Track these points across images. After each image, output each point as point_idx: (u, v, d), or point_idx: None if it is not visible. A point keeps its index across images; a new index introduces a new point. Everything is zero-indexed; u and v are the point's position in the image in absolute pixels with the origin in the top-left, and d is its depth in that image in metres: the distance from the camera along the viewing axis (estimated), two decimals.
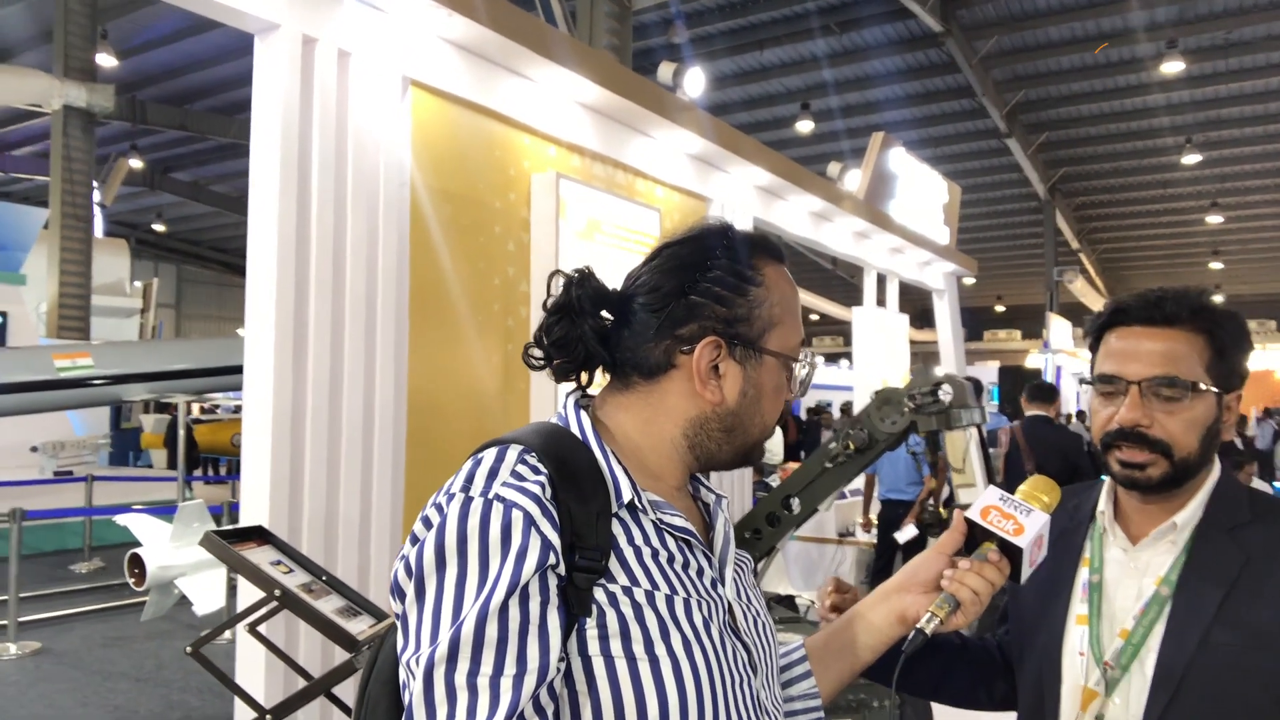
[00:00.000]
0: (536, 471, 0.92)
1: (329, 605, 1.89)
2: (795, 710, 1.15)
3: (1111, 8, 13.42)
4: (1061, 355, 22.95)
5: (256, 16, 3.10)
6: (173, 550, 4.20)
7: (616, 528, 0.94)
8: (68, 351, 9.27)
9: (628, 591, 0.91)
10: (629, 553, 0.93)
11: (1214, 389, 1.27)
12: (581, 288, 1.03)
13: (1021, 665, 1.40)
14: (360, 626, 1.89)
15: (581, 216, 4.54)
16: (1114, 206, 23.79)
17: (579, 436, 1.00)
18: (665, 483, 1.03)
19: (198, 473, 14.67)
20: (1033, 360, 25.77)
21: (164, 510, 9.85)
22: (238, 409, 15.49)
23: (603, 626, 0.88)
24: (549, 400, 4.39)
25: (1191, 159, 18.25)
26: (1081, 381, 1.42)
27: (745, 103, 16.98)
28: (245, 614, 1.78)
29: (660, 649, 0.89)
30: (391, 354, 3.65)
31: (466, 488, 0.91)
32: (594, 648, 0.88)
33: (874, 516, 6.55)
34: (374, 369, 3.61)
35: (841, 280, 24.21)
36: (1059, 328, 22.89)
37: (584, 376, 1.06)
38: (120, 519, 4.54)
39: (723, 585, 1.01)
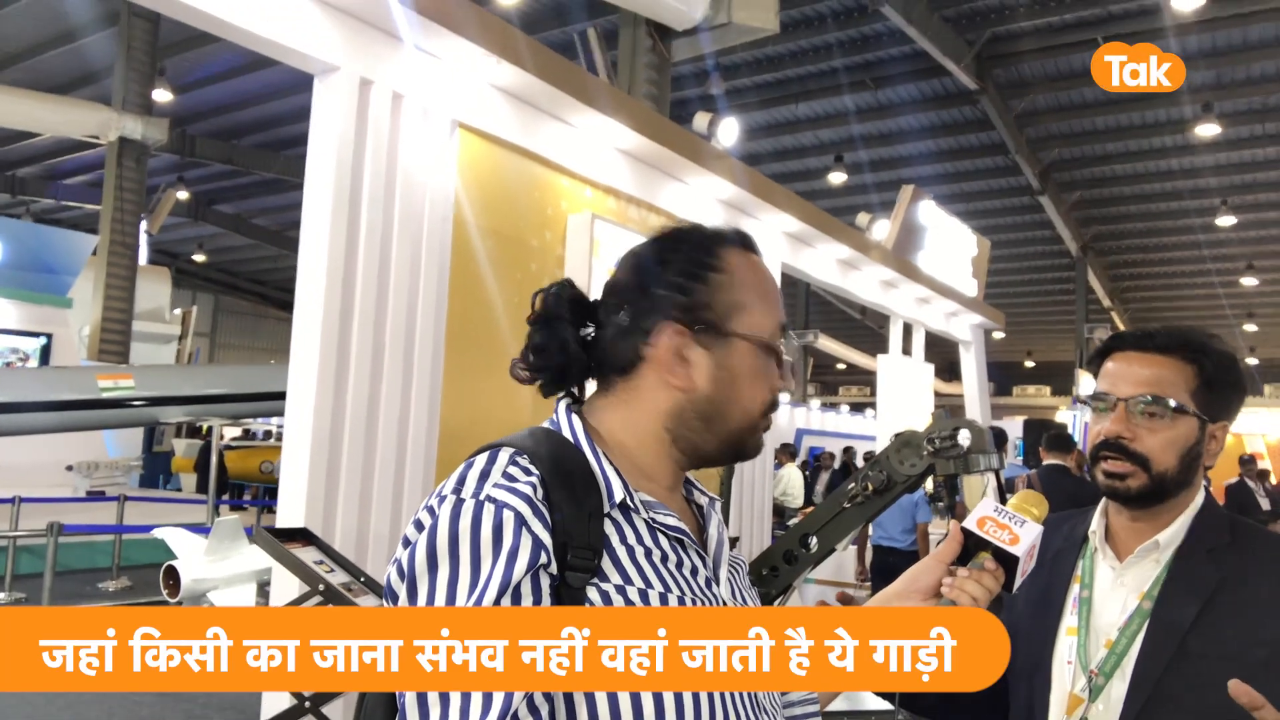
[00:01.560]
0: (528, 473, 0.92)
1: (367, 603, 1.99)
2: (795, 715, 1.17)
3: None
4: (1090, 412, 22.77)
5: (319, 59, 3.30)
6: (207, 564, 4.33)
7: (609, 527, 0.95)
8: (111, 373, 9.52)
9: (620, 590, 0.91)
10: (622, 552, 0.94)
11: (1197, 414, 1.36)
12: (558, 296, 1.05)
13: (1015, 674, 1.46)
14: None
15: (615, 256, 4.68)
16: (1147, 266, 23.70)
17: (570, 439, 1.00)
18: (658, 483, 1.04)
19: (225, 497, 14.87)
20: (1062, 416, 25.54)
21: (194, 531, 10.00)
22: (268, 434, 15.72)
23: None
24: None
25: (1226, 221, 18.21)
26: (1076, 400, 1.52)
27: (777, 154, 17.20)
28: (294, 604, 1.88)
29: None
30: (427, 382, 3.79)
31: (458, 490, 0.91)
32: None
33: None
34: (410, 396, 3.75)
35: (869, 330, 24.23)
36: (1089, 385, 22.76)
37: (575, 390, 1.07)
38: (156, 532, 4.69)
39: (717, 585, 1.02)
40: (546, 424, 1.04)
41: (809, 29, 12.57)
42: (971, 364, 10.35)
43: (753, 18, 6.67)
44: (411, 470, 3.74)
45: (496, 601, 0.84)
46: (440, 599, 0.86)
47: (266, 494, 15.18)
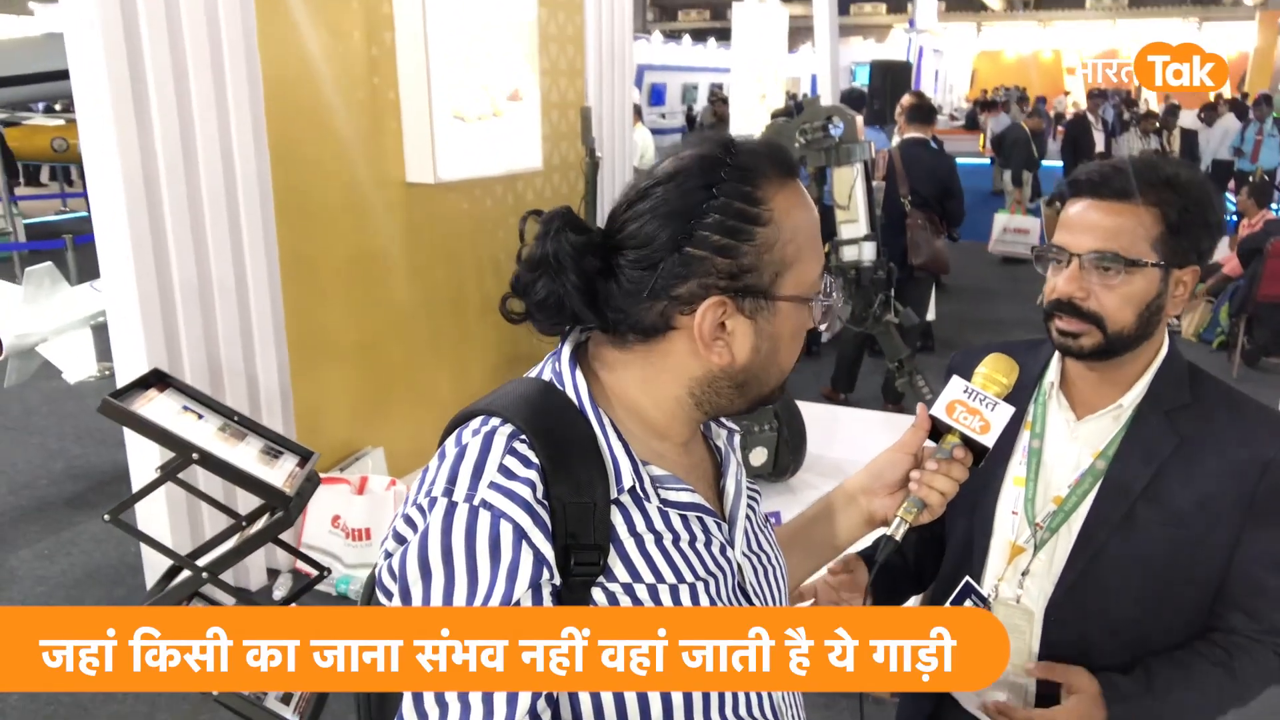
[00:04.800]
0: (527, 464, 0.84)
1: (250, 451, 1.80)
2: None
3: None
4: (925, 35, 22.79)
5: None
6: (29, 316, 3.91)
7: (616, 515, 0.87)
8: None
9: (629, 589, 0.86)
10: (630, 543, 0.87)
11: (1158, 264, 1.27)
12: (558, 240, 0.89)
13: (953, 518, 1.43)
14: (284, 471, 1.83)
15: None
16: None
17: (575, 403, 0.90)
18: (672, 440, 0.96)
19: (20, 190, 13.37)
20: (896, 37, 25.43)
21: None
22: (51, 110, 13.88)
23: None
24: (424, 137, 4.08)
25: None
26: (1033, 252, 1.40)
27: None
28: (168, 474, 1.67)
29: None
30: (245, 97, 3.26)
31: (449, 490, 0.83)
32: None
33: None
34: (227, 116, 3.24)
35: None
36: (925, 4, 22.52)
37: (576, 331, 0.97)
38: None
39: (732, 548, 0.97)
40: (549, 373, 0.94)
41: None
42: None
43: None
44: (248, 213, 3.34)
45: None
46: (436, 605, 0.82)
47: (65, 176, 13.73)
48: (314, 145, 3.70)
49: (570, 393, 0.91)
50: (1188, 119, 12.68)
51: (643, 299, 0.89)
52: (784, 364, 0.96)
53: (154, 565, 3.24)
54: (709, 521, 0.95)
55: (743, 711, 0.92)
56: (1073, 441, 1.37)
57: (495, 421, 0.88)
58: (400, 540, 0.85)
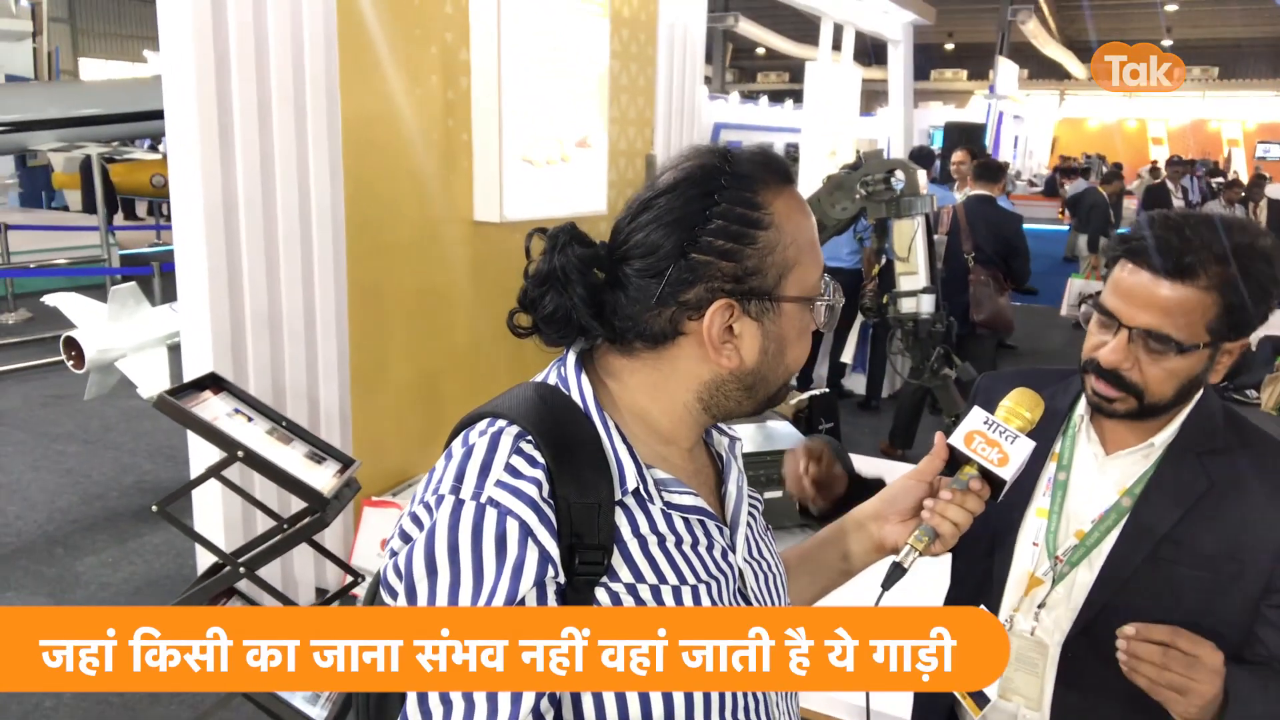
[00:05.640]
0: (533, 464, 0.86)
1: (294, 454, 1.88)
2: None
3: None
4: (1005, 101, 22.66)
5: None
6: (111, 332, 4.11)
7: (620, 516, 0.89)
8: None
9: (631, 589, 0.88)
10: (633, 545, 0.89)
11: (1210, 344, 1.24)
12: (565, 254, 0.93)
13: (972, 544, 1.42)
14: (326, 475, 1.90)
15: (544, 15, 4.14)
16: None
17: (580, 406, 0.93)
18: (678, 445, 0.99)
19: (120, 220, 14.07)
20: (976, 103, 25.37)
21: (88, 272, 9.51)
22: (153, 147, 14.65)
23: None
24: (493, 178, 4.22)
25: None
26: (1083, 300, 1.38)
27: None
28: (213, 471, 1.76)
29: None
30: (324, 134, 3.42)
31: (456, 488, 0.85)
32: None
33: None
34: (306, 152, 3.40)
35: (792, 12, 23.04)
36: (1006, 71, 22.42)
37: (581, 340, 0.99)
38: (50, 299, 4.38)
39: (733, 553, 0.99)
40: (554, 377, 0.97)
41: None
42: (899, 62, 9.95)
43: None
44: (320, 237, 3.48)
45: None
46: (441, 604, 0.83)
47: (162, 211, 14.41)
48: (388, 182, 3.84)
49: (575, 397, 0.94)
50: (1277, 190, 12.34)
51: (650, 306, 0.92)
52: (791, 364, 0.98)
53: None
54: (711, 525, 0.96)
55: (741, 714, 0.93)
56: (1100, 477, 1.35)
57: (502, 423, 0.90)
58: (406, 539, 0.86)
